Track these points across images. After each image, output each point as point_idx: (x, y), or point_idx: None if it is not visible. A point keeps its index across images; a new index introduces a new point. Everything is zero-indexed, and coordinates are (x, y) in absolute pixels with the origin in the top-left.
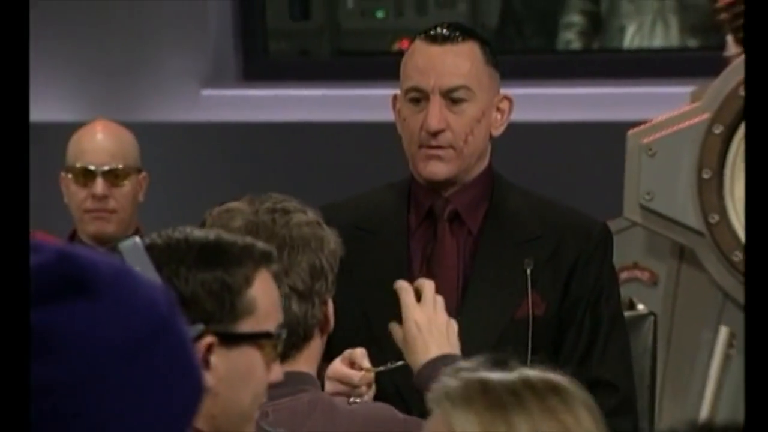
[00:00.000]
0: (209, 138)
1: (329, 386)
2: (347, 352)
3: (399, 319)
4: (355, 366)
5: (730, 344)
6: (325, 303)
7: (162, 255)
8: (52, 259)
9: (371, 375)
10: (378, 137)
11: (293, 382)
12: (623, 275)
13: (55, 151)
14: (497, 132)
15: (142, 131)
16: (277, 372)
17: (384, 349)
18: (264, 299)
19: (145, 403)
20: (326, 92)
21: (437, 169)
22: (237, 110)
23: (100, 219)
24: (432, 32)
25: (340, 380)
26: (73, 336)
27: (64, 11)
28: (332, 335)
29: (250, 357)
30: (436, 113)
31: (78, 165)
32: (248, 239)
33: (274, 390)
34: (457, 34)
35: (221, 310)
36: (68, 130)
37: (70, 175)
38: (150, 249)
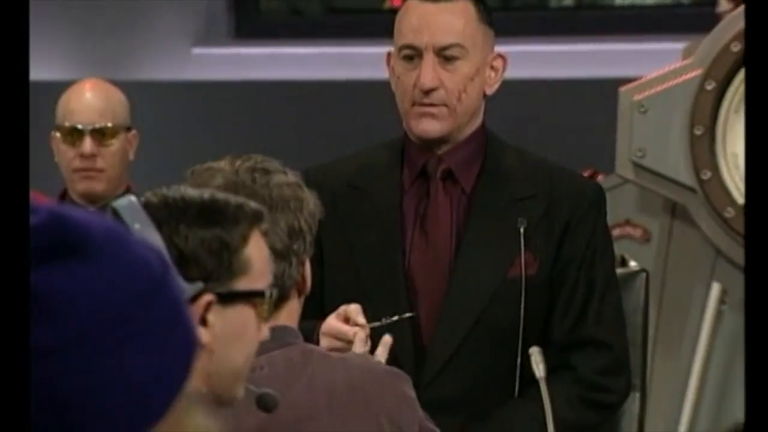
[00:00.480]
0: (200, 96)
1: (324, 342)
2: (342, 308)
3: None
4: (350, 322)
5: (722, 300)
6: (302, 263)
7: (160, 213)
8: (44, 221)
9: (366, 330)
10: (370, 95)
11: (280, 335)
12: (615, 232)
13: (45, 110)
14: (491, 90)
15: (134, 89)
16: (265, 331)
17: (377, 306)
18: (258, 258)
19: (141, 362)
20: (318, 50)
21: (430, 127)
22: (228, 68)
23: (89, 178)
24: None
25: (336, 336)
26: (67, 298)
27: None
28: (325, 292)
29: (244, 315)
30: (429, 71)
31: (66, 124)
32: (239, 198)
33: (262, 345)
34: None
35: (219, 268)
36: (59, 88)
37: (59, 134)
38: (146, 207)
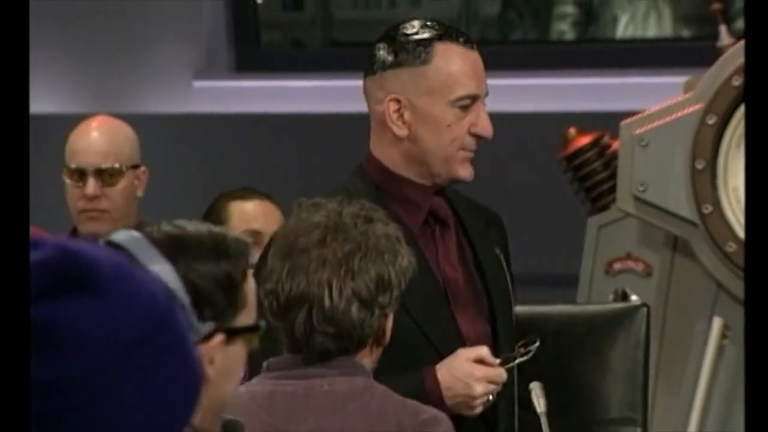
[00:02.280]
0: (201, 130)
1: (480, 388)
2: (471, 352)
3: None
4: (485, 363)
5: (723, 335)
6: (386, 316)
7: (170, 249)
8: (53, 255)
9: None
10: (369, 128)
11: (350, 366)
12: (617, 266)
13: (45, 143)
14: None
15: (135, 123)
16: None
17: (438, 347)
18: (251, 293)
19: (148, 396)
20: (319, 83)
21: (471, 172)
22: (229, 102)
23: (93, 219)
24: (458, 34)
25: (492, 380)
26: (77, 331)
27: (56, 3)
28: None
29: (240, 351)
30: (488, 118)
31: (72, 165)
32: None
33: (332, 370)
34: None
35: (228, 305)
36: (61, 121)
37: (65, 175)
38: (153, 242)
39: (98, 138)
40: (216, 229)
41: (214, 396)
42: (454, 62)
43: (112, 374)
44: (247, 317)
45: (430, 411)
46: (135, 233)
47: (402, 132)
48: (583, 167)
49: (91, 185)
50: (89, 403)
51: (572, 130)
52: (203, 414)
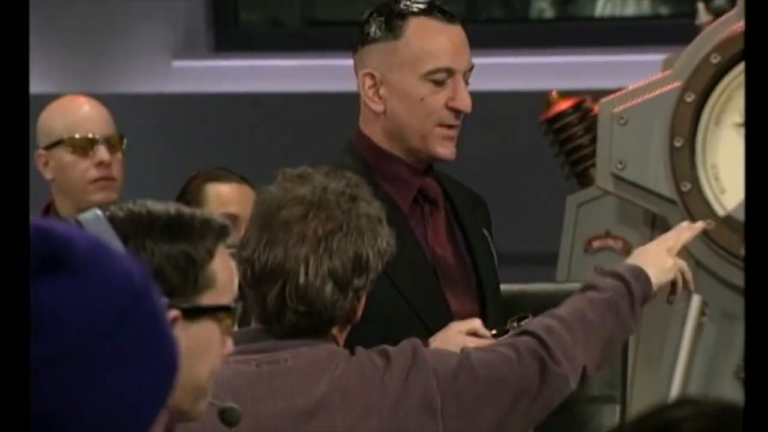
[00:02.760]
0: (181, 109)
1: None
2: (463, 325)
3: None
4: (478, 335)
5: (702, 312)
6: (359, 298)
7: (126, 227)
8: (30, 236)
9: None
10: (351, 107)
11: (314, 339)
12: (596, 244)
13: None
14: None
15: (114, 103)
16: (229, 345)
17: (427, 323)
18: (223, 273)
19: (125, 375)
20: (298, 62)
21: (452, 150)
22: (208, 81)
23: (106, 188)
24: (434, 9)
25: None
26: (53, 312)
27: None
28: (370, 315)
29: (209, 330)
30: (467, 93)
31: (77, 135)
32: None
33: (294, 340)
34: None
35: (185, 283)
36: (39, 102)
37: (66, 148)
38: (112, 221)
39: (96, 109)
40: (187, 209)
41: (185, 377)
42: (427, 36)
43: (89, 354)
44: (215, 297)
45: (405, 343)
46: (98, 212)
47: (378, 107)
48: (564, 131)
49: (104, 152)
50: (67, 383)
51: (554, 93)
52: (176, 395)
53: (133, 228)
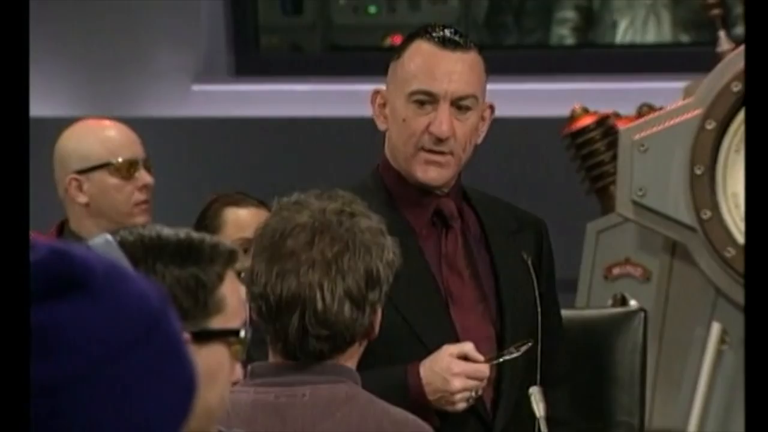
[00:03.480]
0: (200, 133)
1: (458, 383)
2: (454, 348)
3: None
4: (469, 360)
5: (722, 340)
6: (375, 312)
7: (137, 251)
8: (46, 257)
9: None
10: (371, 132)
11: (338, 372)
12: (615, 271)
13: (44, 146)
14: (480, 140)
15: (134, 127)
16: (238, 372)
17: (428, 345)
18: (232, 297)
19: (142, 397)
20: (318, 87)
21: (437, 175)
22: (228, 106)
23: (147, 211)
24: (438, 35)
25: (471, 376)
26: (70, 334)
27: (55, 7)
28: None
29: (218, 355)
30: (447, 120)
31: (120, 159)
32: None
33: (316, 377)
34: (466, 40)
35: (195, 307)
36: (59, 125)
37: (109, 171)
38: (122, 245)
39: (129, 131)
40: (197, 234)
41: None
42: (417, 58)
43: (106, 375)
44: (225, 321)
45: (415, 425)
46: (109, 236)
47: (383, 126)
48: (586, 146)
49: (146, 175)
50: (83, 405)
51: (578, 107)
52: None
53: (143, 251)
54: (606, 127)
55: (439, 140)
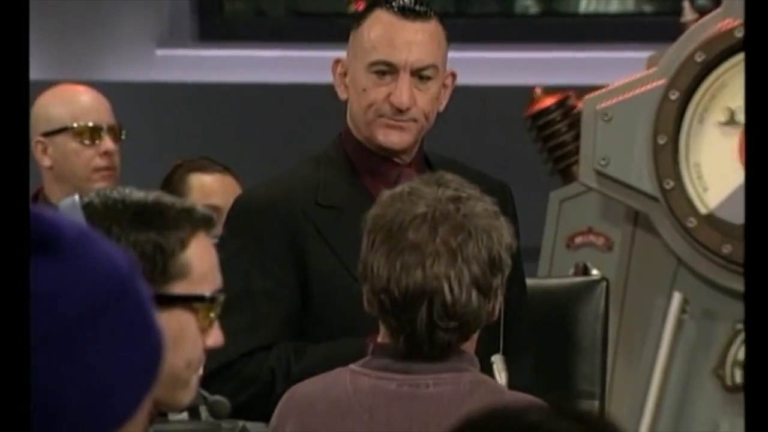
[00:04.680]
0: (164, 98)
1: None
2: None
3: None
4: None
5: (683, 310)
6: (497, 297)
7: (97, 214)
8: None
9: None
10: (333, 99)
11: (461, 359)
12: (578, 240)
13: None
14: (442, 107)
15: (98, 90)
16: (217, 337)
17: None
18: (200, 263)
19: (108, 361)
20: (282, 53)
21: (398, 139)
22: (192, 71)
23: (108, 177)
24: (399, 4)
25: None
26: (39, 294)
27: None
28: (325, 312)
29: (182, 320)
30: (407, 90)
31: (81, 123)
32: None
33: (438, 364)
34: (426, 10)
35: (153, 272)
36: None
37: (70, 136)
38: (86, 207)
39: (99, 97)
40: (168, 198)
41: None
42: (377, 28)
43: (73, 337)
44: (189, 287)
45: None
46: (76, 197)
47: (343, 95)
48: (547, 127)
49: (109, 142)
50: (50, 366)
51: (538, 90)
52: None
53: (103, 215)
54: (567, 107)
55: (399, 111)
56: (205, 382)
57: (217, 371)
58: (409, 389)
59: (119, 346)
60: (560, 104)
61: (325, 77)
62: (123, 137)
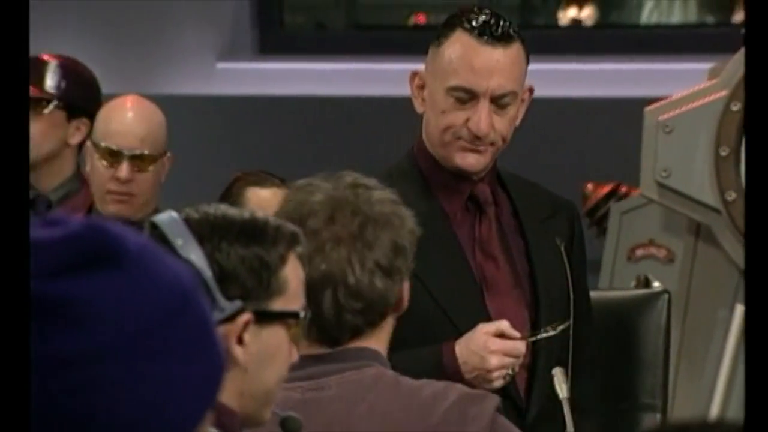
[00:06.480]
0: (224, 111)
1: (495, 361)
2: (491, 326)
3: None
4: (505, 337)
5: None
6: (402, 282)
7: (202, 229)
8: (80, 230)
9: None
10: (394, 111)
11: (362, 356)
12: (639, 252)
13: None
14: (518, 122)
15: (158, 104)
16: (296, 354)
17: (462, 330)
18: (294, 280)
19: (166, 375)
20: (341, 66)
21: (475, 161)
22: (252, 84)
23: (121, 202)
24: (481, 28)
25: (508, 353)
26: (99, 307)
27: None
28: (408, 321)
29: (278, 336)
30: (486, 118)
31: (104, 145)
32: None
33: (340, 364)
34: (508, 33)
35: (259, 287)
36: None
37: (96, 153)
38: (187, 222)
39: (135, 121)
40: (261, 214)
41: (253, 382)
42: (459, 51)
43: (131, 351)
44: (286, 303)
45: (465, 392)
46: (174, 213)
47: (420, 108)
48: (606, 219)
49: (125, 169)
50: (107, 379)
51: (589, 186)
52: (244, 400)
53: (209, 229)
54: (619, 196)
55: (477, 137)
56: None
57: None
58: (313, 393)
59: (179, 360)
60: (612, 194)
61: (384, 89)
62: (151, 166)
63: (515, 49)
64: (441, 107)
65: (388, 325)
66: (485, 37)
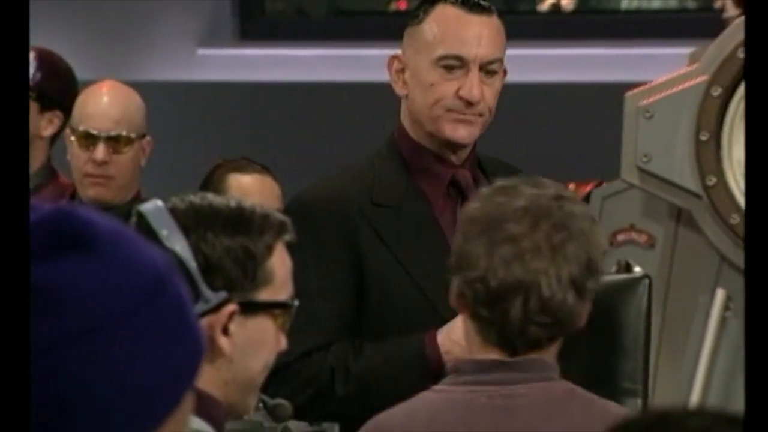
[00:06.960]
0: (205, 98)
1: (459, 351)
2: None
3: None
4: None
5: (726, 307)
6: (589, 302)
7: (188, 219)
8: (51, 216)
9: None
10: (375, 97)
11: (546, 369)
12: (620, 237)
13: None
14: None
15: (138, 90)
16: (284, 342)
17: (444, 316)
18: (281, 269)
19: (141, 361)
20: (323, 52)
21: (466, 133)
22: (233, 70)
23: (99, 184)
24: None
25: None
26: (72, 292)
27: None
28: (389, 306)
29: (264, 326)
30: (477, 84)
31: (81, 128)
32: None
33: (526, 374)
34: (489, 6)
35: (244, 278)
36: None
37: (73, 137)
38: (173, 212)
39: (111, 104)
40: (248, 203)
41: (238, 371)
42: (444, 22)
43: (105, 336)
44: (272, 293)
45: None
46: (159, 203)
47: (402, 91)
48: None
49: (101, 151)
50: (81, 365)
51: (571, 186)
52: (229, 389)
53: (195, 220)
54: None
55: (470, 104)
56: (264, 384)
57: (276, 373)
58: (504, 401)
59: (156, 343)
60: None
61: (365, 75)
62: (128, 148)
63: (496, 20)
64: (429, 80)
65: (558, 344)
66: (470, 7)
